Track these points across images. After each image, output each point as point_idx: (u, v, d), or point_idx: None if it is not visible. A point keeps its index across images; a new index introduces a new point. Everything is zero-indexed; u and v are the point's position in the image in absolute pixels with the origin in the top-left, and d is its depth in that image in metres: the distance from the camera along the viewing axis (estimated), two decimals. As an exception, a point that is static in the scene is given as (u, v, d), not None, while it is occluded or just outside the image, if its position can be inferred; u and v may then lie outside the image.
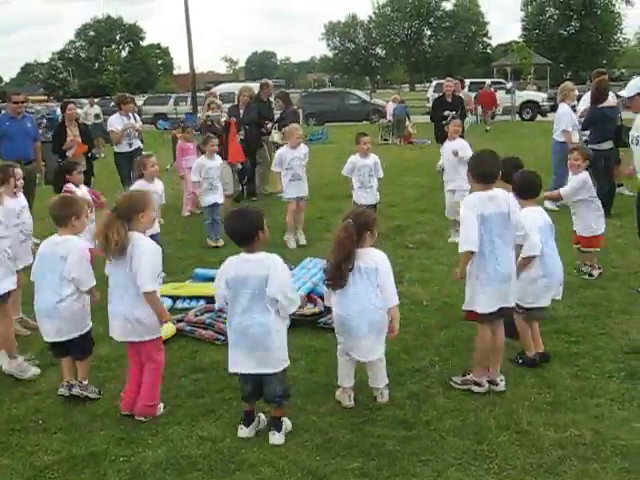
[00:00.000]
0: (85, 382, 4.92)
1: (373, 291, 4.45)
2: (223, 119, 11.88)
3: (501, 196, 4.57)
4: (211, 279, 5.50)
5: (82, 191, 7.18)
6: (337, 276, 4.43)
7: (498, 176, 4.64)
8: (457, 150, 8.83)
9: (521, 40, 65.71)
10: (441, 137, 13.64)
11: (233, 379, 4.68)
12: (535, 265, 4.95)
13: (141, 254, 4.37)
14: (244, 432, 4.28)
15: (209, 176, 9.22)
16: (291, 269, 6.97)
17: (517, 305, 4.90)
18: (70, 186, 7.05)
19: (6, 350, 5.39)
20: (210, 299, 5.97)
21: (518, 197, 4.89)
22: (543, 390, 4.68)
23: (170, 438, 4.30)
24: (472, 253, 4.49)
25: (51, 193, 6.85)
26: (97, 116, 24.99)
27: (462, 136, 9.39)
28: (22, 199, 6.42)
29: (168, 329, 5.97)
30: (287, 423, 4.31)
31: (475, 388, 4.67)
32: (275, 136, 12.78)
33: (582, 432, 4.12)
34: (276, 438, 4.19)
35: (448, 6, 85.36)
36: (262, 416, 4.39)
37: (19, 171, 6.40)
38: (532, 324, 5.15)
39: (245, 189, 12.69)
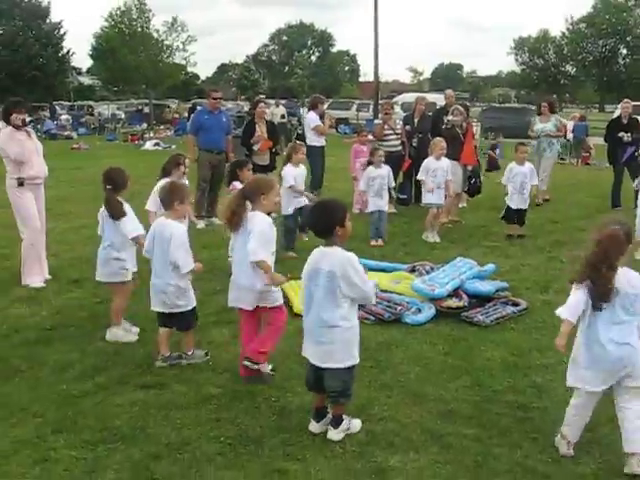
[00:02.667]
0: (190, 352, 5.49)
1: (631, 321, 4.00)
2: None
3: None
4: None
5: None
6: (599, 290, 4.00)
7: None
8: None
9: None
10: (614, 159, 13.55)
11: (372, 347, 5.34)
12: None
13: (254, 228, 4.88)
14: (314, 427, 4.38)
15: (374, 184, 9.91)
16: (441, 266, 7.56)
17: None
18: (236, 184, 7.70)
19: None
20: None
21: None
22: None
23: (315, 390, 5.00)
24: None
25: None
26: (282, 116, 26.47)
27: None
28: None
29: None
30: (353, 424, 4.37)
31: None
32: None
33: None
34: (332, 433, 4.30)
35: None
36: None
37: (188, 161, 7.39)
38: None
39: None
